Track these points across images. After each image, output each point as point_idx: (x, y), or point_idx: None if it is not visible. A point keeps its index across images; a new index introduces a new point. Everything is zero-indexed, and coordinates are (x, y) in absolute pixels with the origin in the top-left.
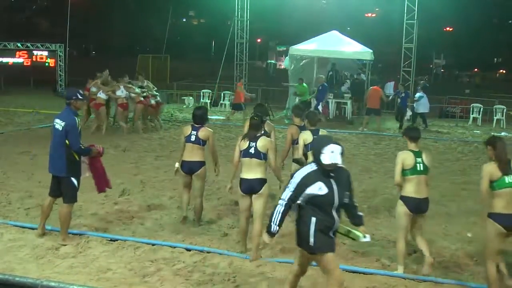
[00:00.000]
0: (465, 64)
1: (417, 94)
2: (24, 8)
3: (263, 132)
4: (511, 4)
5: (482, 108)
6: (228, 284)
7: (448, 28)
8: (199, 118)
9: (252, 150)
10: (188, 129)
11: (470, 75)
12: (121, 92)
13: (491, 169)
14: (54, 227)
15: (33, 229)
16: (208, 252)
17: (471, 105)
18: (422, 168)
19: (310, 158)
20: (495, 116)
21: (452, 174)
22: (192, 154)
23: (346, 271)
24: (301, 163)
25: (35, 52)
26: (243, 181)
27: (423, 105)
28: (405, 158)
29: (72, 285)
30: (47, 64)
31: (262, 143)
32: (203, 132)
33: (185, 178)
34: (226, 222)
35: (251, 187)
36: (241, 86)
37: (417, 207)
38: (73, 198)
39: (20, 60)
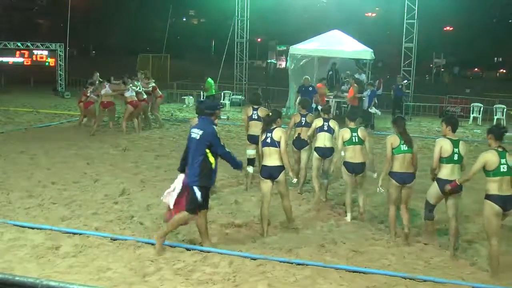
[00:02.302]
0: (466, 64)
1: (365, 92)
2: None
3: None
4: (511, 4)
5: (482, 108)
6: (228, 284)
7: (448, 28)
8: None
9: (268, 140)
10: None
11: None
12: (131, 92)
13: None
14: (53, 226)
15: (33, 228)
16: (208, 252)
17: (471, 104)
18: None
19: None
20: (495, 115)
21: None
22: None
23: (346, 271)
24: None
25: (35, 52)
26: (263, 168)
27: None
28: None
29: (73, 284)
30: (47, 63)
31: (276, 133)
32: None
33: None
34: (226, 221)
35: (270, 174)
36: (323, 87)
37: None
38: (192, 210)
39: (20, 59)
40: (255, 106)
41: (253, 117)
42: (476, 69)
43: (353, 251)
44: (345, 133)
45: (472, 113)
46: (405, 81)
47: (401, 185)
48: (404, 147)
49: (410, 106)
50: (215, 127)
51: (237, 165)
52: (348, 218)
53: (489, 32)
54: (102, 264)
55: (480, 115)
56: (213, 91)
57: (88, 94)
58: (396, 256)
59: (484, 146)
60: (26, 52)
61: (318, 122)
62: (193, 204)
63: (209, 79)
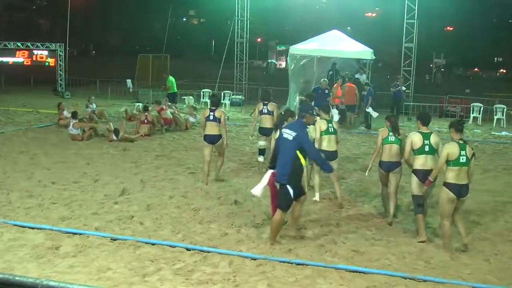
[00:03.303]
0: (466, 64)
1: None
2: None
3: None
4: (511, 4)
5: (482, 108)
6: (228, 284)
7: (448, 28)
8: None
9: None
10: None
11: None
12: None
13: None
14: (53, 226)
15: (33, 228)
16: (208, 252)
17: (472, 104)
18: (392, 140)
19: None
20: (496, 115)
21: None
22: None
23: (346, 271)
24: None
25: (35, 52)
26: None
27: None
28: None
29: (73, 284)
30: (47, 63)
31: None
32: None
33: None
34: (226, 221)
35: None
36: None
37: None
38: (286, 206)
39: (20, 59)
40: (265, 102)
41: (264, 112)
42: (476, 69)
43: (353, 251)
44: (322, 124)
45: (472, 113)
46: (404, 87)
47: (387, 172)
48: (391, 138)
49: (410, 106)
50: (307, 128)
51: (327, 168)
52: (317, 197)
53: (489, 32)
54: (102, 264)
55: (480, 115)
56: (175, 89)
57: (70, 127)
58: (396, 256)
59: (484, 146)
60: (26, 52)
61: (323, 125)
62: (287, 202)
63: (170, 77)
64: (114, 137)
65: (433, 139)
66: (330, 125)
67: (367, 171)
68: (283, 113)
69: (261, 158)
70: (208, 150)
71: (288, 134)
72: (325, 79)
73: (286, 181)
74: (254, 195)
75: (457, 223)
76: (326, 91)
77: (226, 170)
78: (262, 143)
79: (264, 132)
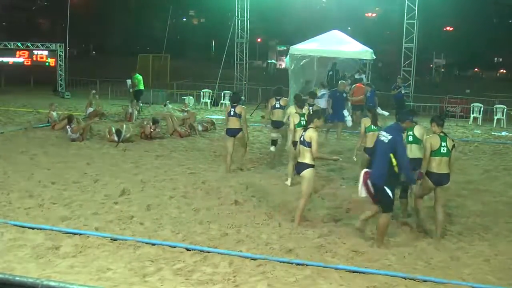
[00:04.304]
0: (465, 64)
1: (320, 92)
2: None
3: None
4: (511, 4)
5: (482, 108)
6: (228, 284)
7: (448, 28)
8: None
9: (302, 138)
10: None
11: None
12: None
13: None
14: (53, 226)
15: (33, 228)
16: (208, 252)
17: (472, 104)
18: (374, 128)
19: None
20: (496, 115)
21: (452, 174)
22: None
23: (346, 271)
24: None
25: (35, 52)
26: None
27: (324, 102)
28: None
29: (73, 284)
30: (47, 63)
31: (308, 134)
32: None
33: None
34: (226, 221)
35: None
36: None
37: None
38: (389, 207)
39: (21, 59)
40: (278, 97)
41: (276, 106)
42: (476, 69)
43: (353, 251)
44: (295, 118)
45: (472, 113)
46: (401, 88)
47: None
48: (373, 127)
49: (410, 106)
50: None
51: (411, 179)
52: (288, 182)
53: (489, 32)
54: (102, 264)
55: (480, 115)
56: (142, 86)
57: (69, 133)
58: (396, 256)
59: (484, 146)
60: (26, 52)
61: (296, 119)
62: (387, 202)
63: (137, 75)
64: (116, 138)
65: (417, 131)
66: (302, 118)
67: (354, 156)
68: (311, 112)
69: (272, 148)
70: (230, 143)
71: (384, 136)
72: (343, 81)
73: (383, 183)
74: (362, 196)
75: (437, 214)
76: (344, 94)
77: (225, 169)
78: (274, 135)
79: (276, 125)
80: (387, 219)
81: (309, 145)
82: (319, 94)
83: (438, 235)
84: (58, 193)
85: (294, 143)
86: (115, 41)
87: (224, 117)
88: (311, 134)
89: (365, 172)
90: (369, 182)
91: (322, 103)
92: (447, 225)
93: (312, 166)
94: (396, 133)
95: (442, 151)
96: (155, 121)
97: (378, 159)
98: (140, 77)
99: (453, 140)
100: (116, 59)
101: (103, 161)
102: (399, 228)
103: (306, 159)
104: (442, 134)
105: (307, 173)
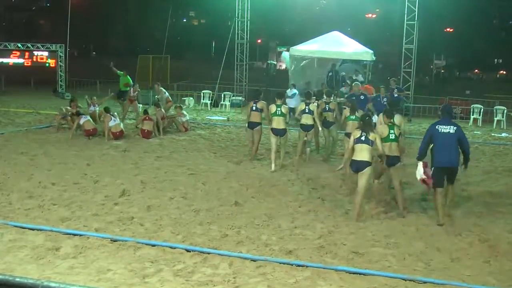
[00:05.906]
0: (466, 65)
1: (291, 92)
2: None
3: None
4: (511, 5)
5: (482, 109)
6: (228, 285)
7: (448, 29)
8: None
9: (363, 138)
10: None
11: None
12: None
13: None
14: (53, 227)
15: (33, 229)
16: (208, 253)
17: (472, 105)
18: (352, 118)
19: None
20: (496, 117)
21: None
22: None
23: (346, 272)
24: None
25: (35, 53)
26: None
27: (294, 101)
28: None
29: (73, 285)
30: (47, 64)
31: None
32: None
33: None
34: (226, 222)
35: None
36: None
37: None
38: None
39: (21, 60)
40: (256, 100)
41: (253, 109)
42: (476, 70)
43: (353, 252)
44: (272, 108)
45: (472, 115)
46: (396, 94)
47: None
48: (352, 117)
49: (410, 107)
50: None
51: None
52: (272, 167)
53: (489, 33)
54: (102, 265)
55: (481, 116)
56: (122, 87)
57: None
58: (396, 257)
59: (484, 147)
60: (27, 53)
61: (272, 108)
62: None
63: (126, 75)
64: (113, 118)
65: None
66: (278, 109)
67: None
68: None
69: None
70: (250, 134)
71: (447, 128)
72: (357, 83)
73: (458, 164)
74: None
75: (396, 193)
76: (362, 97)
77: (225, 170)
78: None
79: (252, 126)
80: (440, 195)
81: (372, 143)
82: (290, 94)
83: (402, 211)
84: (58, 194)
85: (273, 131)
86: (116, 42)
87: (243, 113)
88: (375, 135)
89: (424, 163)
90: (428, 170)
91: (292, 103)
92: (447, 225)
93: (371, 164)
94: (456, 124)
95: (390, 137)
96: (145, 112)
97: (449, 147)
98: (129, 78)
99: (400, 129)
100: (116, 59)
101: (103, 162)
102: (399, 229)
103: (367, 157)
104: (390, 124)
105: (368, 170)
